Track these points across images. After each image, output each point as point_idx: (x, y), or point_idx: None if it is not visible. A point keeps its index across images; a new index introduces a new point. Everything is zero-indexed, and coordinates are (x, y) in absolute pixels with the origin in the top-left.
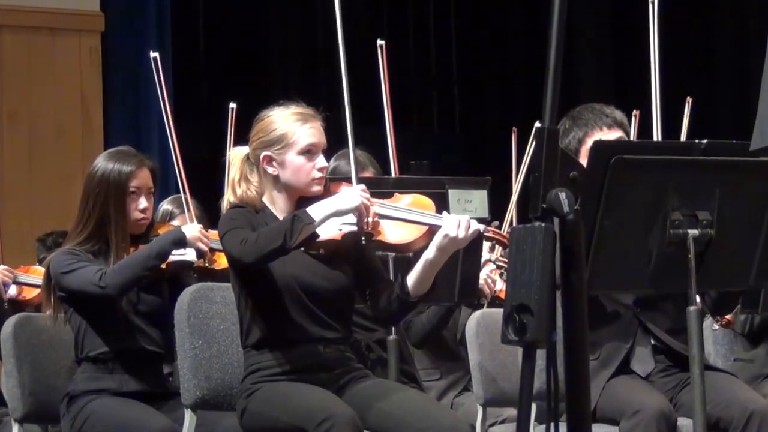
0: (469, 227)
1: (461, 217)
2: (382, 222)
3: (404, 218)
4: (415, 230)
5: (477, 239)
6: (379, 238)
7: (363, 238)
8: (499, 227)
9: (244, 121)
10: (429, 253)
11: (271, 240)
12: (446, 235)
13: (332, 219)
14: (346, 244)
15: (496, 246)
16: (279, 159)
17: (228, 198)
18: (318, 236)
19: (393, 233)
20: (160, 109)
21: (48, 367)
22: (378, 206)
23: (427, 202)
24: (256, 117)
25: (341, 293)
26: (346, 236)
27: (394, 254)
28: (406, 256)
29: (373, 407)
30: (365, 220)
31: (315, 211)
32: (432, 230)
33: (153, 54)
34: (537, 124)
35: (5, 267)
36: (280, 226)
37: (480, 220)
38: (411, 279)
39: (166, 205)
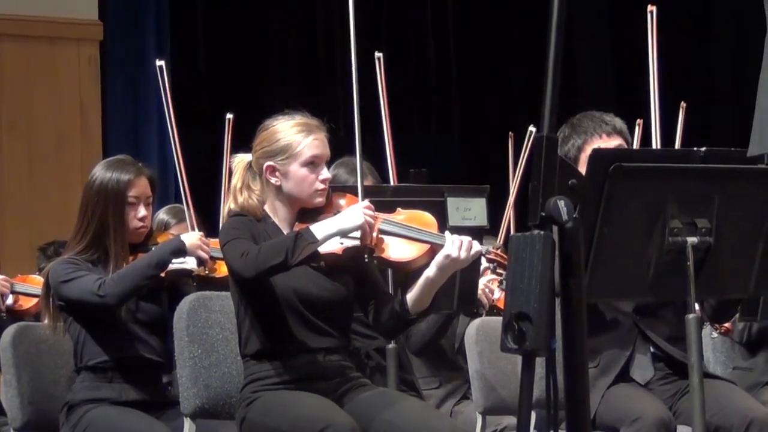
0: (470, 248)
1: (463, 237)
2: (385, 238)
3: (407, 235)
4: (417, 248)
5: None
6: (382, 254)
7: (366, 256)
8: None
9: (242, 131)
10: (430, 272)
11: (272, 256)
12: (448, 256)
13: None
14: (346, 258)
15: (497, 269)
16: (282, 169)
17: (229, 205)
18: (318, 252)
19: (395, 250)
20: (158, 117)
21: (47, 377)
22: (381, 222)
23: (430, 219)
24: (260, 126)
25: (340, 304)
26: (347, 250)
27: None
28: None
29: (376, 417)
30: (368, 238)
31: (318, 229)
32: (434, 249)
33: (159, 62)
34: (531, 128)
35: (3, 277)
36: (283, 242)
37: (479, 228)
38: (411, 296)
39: (162, 215)
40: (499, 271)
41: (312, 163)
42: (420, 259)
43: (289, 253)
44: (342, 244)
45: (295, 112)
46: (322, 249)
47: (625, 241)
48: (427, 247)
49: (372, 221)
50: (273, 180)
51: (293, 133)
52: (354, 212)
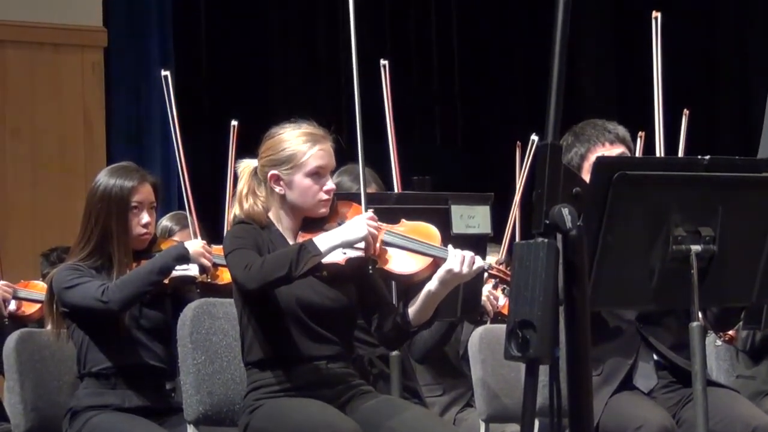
0: (473, 264)
1: (466, 252)
2: (388, 250)
3: (410, 248)
4: (420, 261)
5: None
6: (384, 266)
7: (369, 267)
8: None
9: (245, 138)
10: (431, 285)
11: (276, 268)
12: (450, 270)
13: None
14: (349, 269)
15: (499, 284)
16: (287, 179)
17: (234, 211)
18: (322, 263)
19: (398, 263)
20: (162, 124)
21: (50, 383)
22: (385, 233)
23: (434, 232)
24: (266, 133)
25: (342, 312)
26: (350, 261)
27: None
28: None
29: (380, 425)
30: (371, 249)
31: (322, 241)
32: (436, 262)
33: (164, 72)
34: (533, 137)
35: (5, 282)
36: (286, 255)
37: (482, 236)
38: (412, 309)
39: (165, 222)
40: (502, 286)
41: (317, 174)
42: (422, 272)
43: (293, 266)
44: (345, 254)
45: (302, 120)
46: (325, 259)
47: (629, 249)
48: (429, 260)
49: (375, 232)
50: (277, 189)
51: (299, 143)
52: (357, 224)
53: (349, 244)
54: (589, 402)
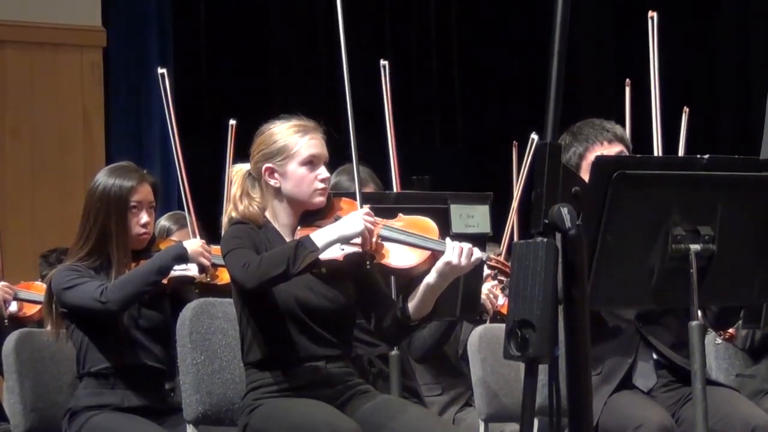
0: (471, 255)
1: (464, 244)
2: (386, 245)
3: (408, 242)
4: (417, 255)
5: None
6: (382, 261)
7: (367, 262)
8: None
9: (244, 138)
10: (430, 278)
11: (273, 266)
12: (448, 263)
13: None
14: (347, 265)
15: (499, 276)
16: (281, 170)
17: (230, 213)
18: (319, 260)
19: (396, 257)
20: (161, 124)
21: (50, 383)
22: (382, 228)
23: (431, 225)
24: (257, 131)
25: (341, 312)
26: (348, 257)
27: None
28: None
29: (379, 425)
30: (368, 245)
31: (318, 237)
32: (435, 255)
33: (161, 70)
34: (533, 136)
35: (5, 283)
36: (283, 252)
37: (481, 235)
38: (412, 302)
39: (163, 222)
40: (501, 278)
41: (310, 163)
42: (421, 265)
43: (291, 263)
44: (343, 250)
45: (291, 115)
46: (323, 256)
47: (628, 248)
48: (427, 253)
49: (372, 227)
50: (272, 182)
51: (290, 134)
52: (354, 219)
53: (346, 240)
54: (588, 401)
